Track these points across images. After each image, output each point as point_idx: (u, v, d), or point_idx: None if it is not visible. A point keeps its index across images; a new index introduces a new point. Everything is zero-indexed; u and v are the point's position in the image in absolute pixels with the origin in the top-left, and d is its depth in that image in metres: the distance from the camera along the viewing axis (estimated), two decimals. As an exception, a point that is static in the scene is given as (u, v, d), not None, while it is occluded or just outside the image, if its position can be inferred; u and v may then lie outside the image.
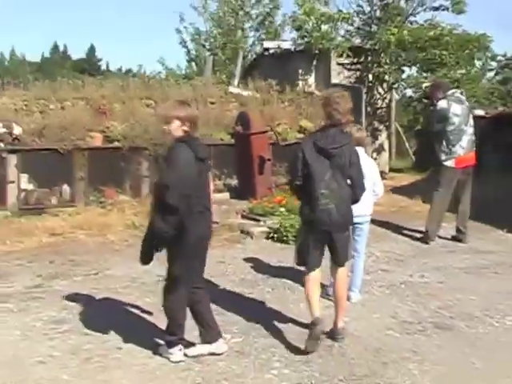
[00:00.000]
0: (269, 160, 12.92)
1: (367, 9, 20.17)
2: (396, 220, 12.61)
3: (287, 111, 17.64)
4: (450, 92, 11.22)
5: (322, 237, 6.68)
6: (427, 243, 11.25)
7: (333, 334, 6.93)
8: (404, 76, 20.93)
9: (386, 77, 19.87)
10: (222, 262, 9.82)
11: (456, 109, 10.95)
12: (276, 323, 7.40)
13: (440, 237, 11.58)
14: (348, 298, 7.64)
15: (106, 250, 10.61)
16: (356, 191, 6.79)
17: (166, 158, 6.00)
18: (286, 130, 16.21)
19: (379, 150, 20.64)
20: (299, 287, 8.26)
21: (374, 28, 19.64)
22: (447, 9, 19.67)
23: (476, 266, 9.82)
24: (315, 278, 6.79)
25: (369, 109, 19.51)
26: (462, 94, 11.66)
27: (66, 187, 13.59)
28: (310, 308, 6.74)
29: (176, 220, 5.83)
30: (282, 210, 11.56)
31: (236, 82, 20.23)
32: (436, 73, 19.53)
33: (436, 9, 19.87)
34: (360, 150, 7.93)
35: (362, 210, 7.91)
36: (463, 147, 10.98)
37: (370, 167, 8.18)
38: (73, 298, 8.12)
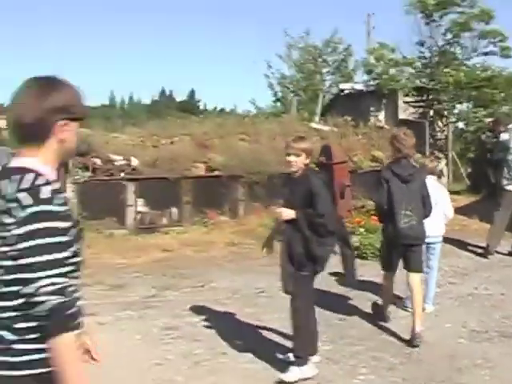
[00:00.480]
0: (348, 186, 12.59)
1: (428, 54, 19.70)
2: (459, 237, 12.13)
3: (361, 143, 17.20)
4: (510, 126, 11.07)
5: (401, 249, 7.02)
6: (487, 258, 10.88)
7: (412, 339, 6.73)
8: (456, 111, 20.33)
9: (445, 112, 19.43)
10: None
11: None
12: (360, 332, 7.11)
13: (498, 252, 11.14)
14: (423, 309, 7.35)
15: (210, 265, 10.39)
16: (426, 208, 7.01)
17: (312, 190, 5.64)
18: (360, 159, 15.90)
19: (440, 175, 20.07)
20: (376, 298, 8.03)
21: (434, 70, 19.18)
22: (496, 54, 19.19)
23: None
24: (391, 278, 7.37)
25: (431, 140, 19.03)
26: None
27: (174, 210, 13.52)
28: (384, 299, 7.54)
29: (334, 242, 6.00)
30: (362, 230, 11.15)
31: (317, 118, 19.97)
32: (487, 109, 19.01)
33: (486, 54, 19.39)
34: (432, 177, 7.66)
35: (435, 231, 7.69)
36: None
37: (440, 192, 7.87)
38: (183, 307, 7.97)
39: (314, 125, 18.27)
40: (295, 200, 5.75)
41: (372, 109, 19.75)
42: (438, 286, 8.58)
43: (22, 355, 2.34)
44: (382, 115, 19.80)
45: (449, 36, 19.21)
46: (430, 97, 19.31)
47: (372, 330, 7.20)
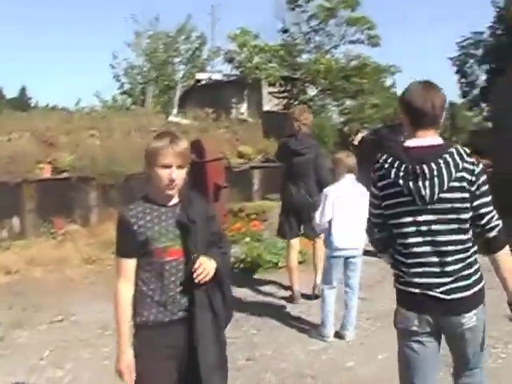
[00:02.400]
0: (225, 187, 11.10)
1: (292, 42, 18.70)
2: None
3: (225, 138, 16.00)
4: None
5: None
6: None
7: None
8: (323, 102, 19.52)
9: (312, 103, 18.50)
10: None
11: None
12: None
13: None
14: (343, 337, 6.48)
15: (67, 290, 8.45)
16: (322, 180, 7.49)
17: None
18: (227, 155, 14.54)
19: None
20: (284, 326, 6.91)
21: (302, 59, 18.24)
22: (363, 42, 18.52)
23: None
24: (293, 245, 7.93)
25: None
26: None
27: (15, 220, 11.52)
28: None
29: None
30: (247, 239, 9.67)
31: (175, 111, 18.41)
32: (357, 99, 18.34)
33: (354, 42, 18.69)
34: (350, 176, 6.43)
35: (355, 243, 6.44)
36: None
37: (362, 196, 6.62)
38: (40, 353, 6.16)
39: (172, 118, 16.77)
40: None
41: (233, 100, 18.58)
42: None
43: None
44: (244, 107, 18.60)
45: (315, 22, 18.29)
46: (296, 87, 18.35)
47: (284, 370, 5.78)
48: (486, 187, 3.32)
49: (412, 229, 3.31)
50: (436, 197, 3.24)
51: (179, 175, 3.32)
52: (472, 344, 3.41)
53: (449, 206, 3.25)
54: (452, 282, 3.29)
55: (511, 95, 12.76)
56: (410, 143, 3.36)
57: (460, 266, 3.30)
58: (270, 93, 18.30)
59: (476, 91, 30.84)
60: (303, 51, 18.44)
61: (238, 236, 10.07)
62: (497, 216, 3.35)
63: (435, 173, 3.22)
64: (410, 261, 3.35)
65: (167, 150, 3.27)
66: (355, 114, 18.44)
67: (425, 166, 3.23)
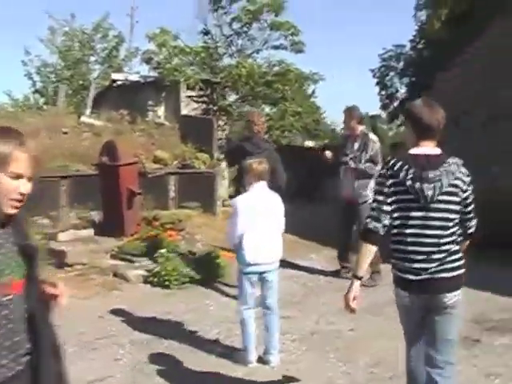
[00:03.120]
0: (139, 194, 10.38)
1: (213, 45, 18.05)
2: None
3: (140, 142, 15.23)
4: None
5: None
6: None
7: None
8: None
9: (230, 109, 17.92)
10: (101, 318, 7.18)
11: None
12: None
13: (322, 271, 9.79)
14: (268, 363, 5.88)
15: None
16: (279, 180, 7.49)
17: None
18: (142, 160, 13.83)
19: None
20: (196, 351, 6.20)
21: (223, 62, 17.64)
22: (287, 48, 18.03)
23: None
24: None
25: (214, 140, 17.43)
26: None
27: None
28: None
29: None
30: (163, 251, 8.92)
31: (88, 112, 17.50)
32: (279, 106, 17.83)
33: (277, 47, 18.16)
34: (261, 184, 5.96)
35: (270, 256, 5.91)
36: None
37: (275, 203, 6.06)
38: None
39: (84, 119, 15.89)
40: None
41: (150, 102, 17.78)
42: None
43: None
44: (161, 110, 17.84)
45: (237, 25, 17.70)
46: (216, 92, 17.73)
47: None
48: (473, 196, 4.08)
49: (412, 222, 3.95)
50: (435, 198, 3.89)
51: (28, 189, 2.47)
52: (452, 321, 4.07)
53: (443, 206, 3.93)
54: (439, 266, 3.94)
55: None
56: (415, 151, 3.99)
57: (447, 254, 3.97)
58: (189, 96, 17.59)
59: (396, 103, 30.88)
60: (225, 54, 17.85)
61: (151, 247, 9.33)
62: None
63: (437, 178, 3.89)
64: (410, 248, 3.96)
65: (18, 154, 2.42)
66: (276, 121, 17.95)
67: (430, 172, 3.89)
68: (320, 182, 17.31)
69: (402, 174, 3.89)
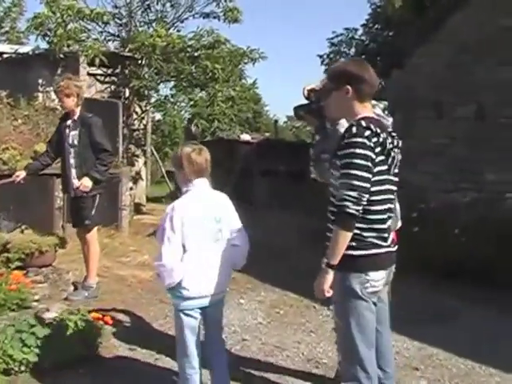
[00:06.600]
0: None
1: (125, 12, 14.30)
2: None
3: (20, 132, 11.93)
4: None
5: None
6: None
7: None
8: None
9: (147, 92, 14.25)
10: None
11: None
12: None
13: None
14: None
15: None
16: None
17: None
18: (14, 157, 10.59)
19: (136, 178, 15.04)
20: None
21: (135, 32, 13.84)
22: (219, 17, 14.38)
23: None
24: None
25: (125, 131, 13.79)
26: None
27: None
28: None
29: None
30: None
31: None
32: (207, 89, 14.18)
33: (207, 15, 14.49)
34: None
35: (218, 286, 4.27)
36: None
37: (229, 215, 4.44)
38: None
39: None
40: None
41: (41, 82, 13.97)
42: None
43: None
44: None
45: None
46: (128, 69, 14.04)
47: None
48: None
49: (384, 196, 3.60)
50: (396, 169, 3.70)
51: None
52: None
53: (396, 179, 3.69)
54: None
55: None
56: (369, 114, 3.66)
57: None
58: (92, 74, 13.87)
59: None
60: (140, 23, 14.17)
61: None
62: None
63: (400, 145, 3.69)
64: (386, 225, 3.62)
65: None
66: (203, 108, 14.35)
67: (396, 138, 3.66)
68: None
69: (387, 142, 3.51)
